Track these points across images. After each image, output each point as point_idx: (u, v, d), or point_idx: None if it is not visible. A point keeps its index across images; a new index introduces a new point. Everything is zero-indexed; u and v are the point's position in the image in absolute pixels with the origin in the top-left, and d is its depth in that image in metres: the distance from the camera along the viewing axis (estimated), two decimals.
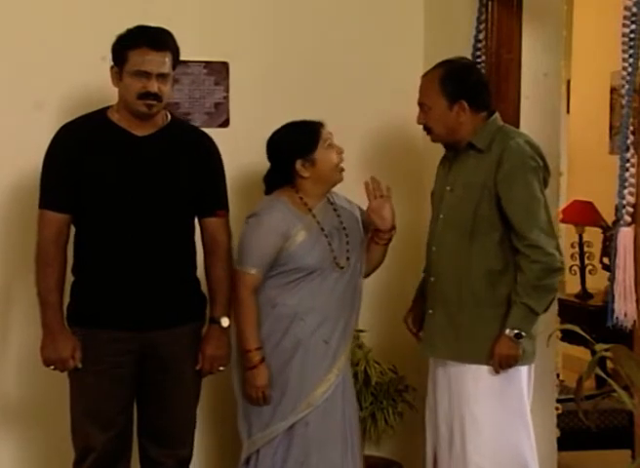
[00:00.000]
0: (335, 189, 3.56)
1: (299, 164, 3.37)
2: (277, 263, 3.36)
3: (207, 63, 3.88)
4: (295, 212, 3.39)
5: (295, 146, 3.38)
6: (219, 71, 3.91)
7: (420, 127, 3.40)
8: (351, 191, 3.72)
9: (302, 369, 3.36)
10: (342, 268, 3.40)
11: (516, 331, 3.13)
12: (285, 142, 3.40)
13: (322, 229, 3.40)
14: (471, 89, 3.26)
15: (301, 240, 3.36)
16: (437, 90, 3.25)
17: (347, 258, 3.42)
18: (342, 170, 3.43)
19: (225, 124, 3.93)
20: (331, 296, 3.38)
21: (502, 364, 3.16)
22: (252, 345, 3.33)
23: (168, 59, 3.13)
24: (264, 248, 3.33)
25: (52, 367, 3.20)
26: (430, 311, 3.34)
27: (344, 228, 3.46)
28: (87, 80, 3.57)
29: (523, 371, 3.24)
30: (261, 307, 3.37)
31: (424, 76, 3.34)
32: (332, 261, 3.38)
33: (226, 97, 3.93)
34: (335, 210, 3.48)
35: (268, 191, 3.47)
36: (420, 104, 3.31)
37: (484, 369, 3.19)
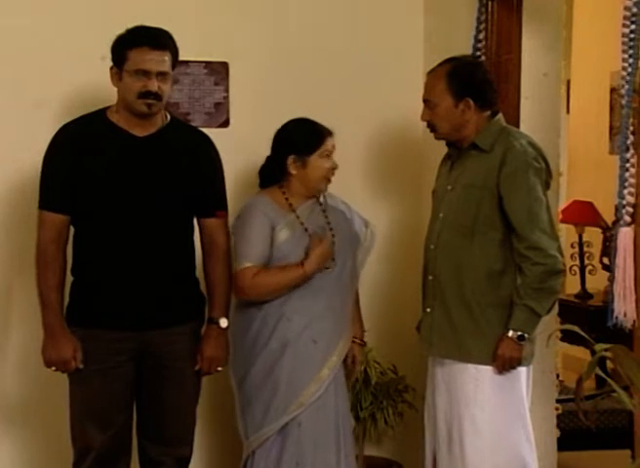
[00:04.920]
0: (335, 190, 3.56)
1: (290, 159, 3.38)
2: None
3: (207, 63, 3.88)
4: (277, 210, 3.40)
5: (295, 141, 3.39)
6: (219, 71, 3.91)
7: (421, 126, 3.40)
8: (351, 189, 3.73)
9: (292, 369, 3.35)
10: (328, 268, 3.40)
11: (519, 333, 3.13)
12: (288, 134, 3.42)
13: (305, 229, 3.40)
14: (477, 86, 3.25)
15: (284, 238, 3.37)
16: (443, 86, 3.23)
17: (333, 259, 3.42)
18: (329, 182, 3.43)
19: (225, 124, 3.93)
20: (317, 296, 3.38)
21: (505, 365, 3.16)
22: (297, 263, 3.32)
23: (167, 59, 3.13)
24: (258, 239, 3.33)
25: (53, 368, 3.20)
26: (428, 309, 3.34)
27: (331, 229, 3.45)
28: (87, 80, 3.57)
29: (522, 372, 3.24)
30: (249, 309, 3.38)
31: (430, 73, 3.32)
32: None
33: (226, 97, 3.93)
34: (323, 210, 3.48)
35: (262, 185, 3.48)
36: (426, 101, 3.29)
37: (483, 369, 3.19)
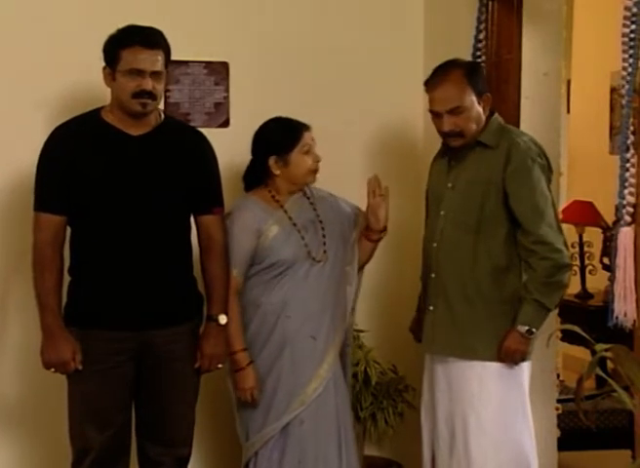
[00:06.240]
0: (335, 189, 3.56)
1: (272, 160, 3.38)
2: (255, 261, 3.37)
3: (207, 63, 3.88)
4: (265, 208, 3.40)
5: (272, 142, 3.39)
6: (219, 71, 3.91)
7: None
8: (351, 190, 3.72)
9: (292, 366, 3.36)
10: (320, 261, 3.40)
11: (527, 328, 3.13)
12: (264, 137, 3.42)
13: (294, 224, 3.40)
14: (487, 82, 3.26)
15: (274, 234, 3.37)
16: (467, 88, 3.18)
17: (324, 251, 3.41)
18: (316, 173, 3.41)
19: (225, 124, 3.93)
20: (314, 291, 3.38)
21: (508, 358, 3.16)
22: (238, 346, 3.34)
23: (160, 58, 3.12)
24: (240, 247, 3.34)
25: (52, 369, 3.19)
26: (431, 307, 3.33)
27: (321, 221, 3.45)
28: (86, 80, 3.56)
29: (525, 368, 3.24)
30: (247, 308, 3.38)
31: (441, 82, 3.19)
32: (307, 255, 3.38)
33: (226, 97, 3.93)
34: (311, 203, 3.48)
35: (247, 189, 3.49)
36: (452, 110, 3.17)
37: (488, 367, 3.18)
